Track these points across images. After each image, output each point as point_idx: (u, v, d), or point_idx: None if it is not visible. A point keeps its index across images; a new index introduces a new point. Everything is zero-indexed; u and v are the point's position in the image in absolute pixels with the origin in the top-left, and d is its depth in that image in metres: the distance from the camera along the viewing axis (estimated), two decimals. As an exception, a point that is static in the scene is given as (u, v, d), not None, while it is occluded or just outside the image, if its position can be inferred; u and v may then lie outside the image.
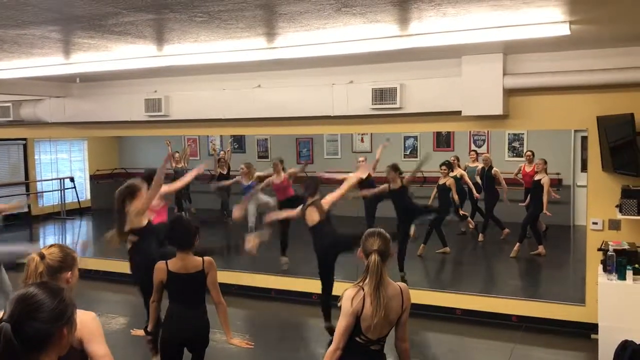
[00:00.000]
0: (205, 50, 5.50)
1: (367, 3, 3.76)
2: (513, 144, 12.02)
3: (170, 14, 4.03)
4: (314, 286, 6.66)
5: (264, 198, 9.49)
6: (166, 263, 4.02)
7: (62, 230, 13.63)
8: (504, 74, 6.10)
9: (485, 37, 4.74)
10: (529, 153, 10.15)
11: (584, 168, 11.26)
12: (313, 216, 5.88)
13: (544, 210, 8.85)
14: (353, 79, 6.92)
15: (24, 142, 13.67)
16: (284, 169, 9.23)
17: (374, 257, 2.95)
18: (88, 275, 7.82)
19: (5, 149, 13.53)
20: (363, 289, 2.95)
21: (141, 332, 4.57)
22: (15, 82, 7.79)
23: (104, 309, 7.14)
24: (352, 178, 6.59)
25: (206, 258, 4.07)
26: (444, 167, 9.46)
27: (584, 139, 11.13)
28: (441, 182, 9.46)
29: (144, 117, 8.13)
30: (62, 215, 14.06)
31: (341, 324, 2.97)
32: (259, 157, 14.30)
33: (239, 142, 14.58)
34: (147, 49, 5.48)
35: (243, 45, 5.32)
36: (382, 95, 6.61)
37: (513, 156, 11.97)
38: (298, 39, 5.03)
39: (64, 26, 4.48)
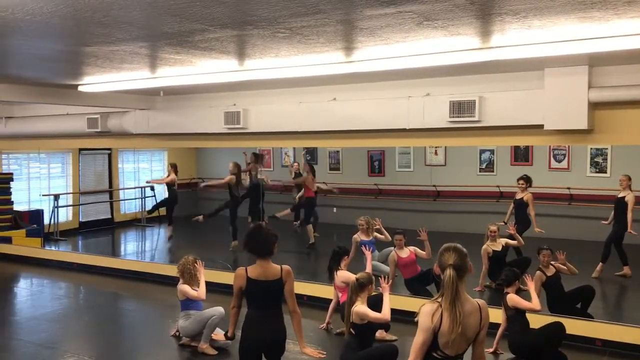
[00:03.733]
0: (285, 64, 5.62)
1: (450, 16, 3.73)
2: (596, 159, 11.52)
3: (254, 30, 4.15)
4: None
5: (383, 267, 8.09)
6: (246, 270, 4.11)
7: (142, 236, 14.19)
8: (589, 86, 5.88)
9: (571, 50, 4.59)
10: None
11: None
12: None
13: (629, 229, 8.41)
14: (430, 91, 6.86)
15: (109, 151, 14.36)
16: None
17: (449, 272, 2.90)
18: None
19: (92, 158, 14.26)
20: (440, 305, 2.91)
21: (222, 337, 4.68)
22: (105, 96, 8.22)
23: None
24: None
25: (285, 267, 4.15)
26: (521, 182, 9.13)
27: (674, 155, 10.55)
28: (518, 197, 9.15)
29: (223, 129, 8.38)
30: (142, 222, 14.64)
31: (418, 339, 2.94)
32: (331, 169, 14.38)
33: (311, 154, 14.72)
34: (229, 63, 5.66)
35: (321, 60, 5.40)
36: (460, 107, 6.52)
37: (595, 172, 11.46)
38: (376, 53, 5.05)
39: (153, 42, 4.71)
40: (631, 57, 5.39)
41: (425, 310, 2.93)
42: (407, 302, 7.23)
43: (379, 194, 13.09)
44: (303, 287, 7.79)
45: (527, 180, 9.13)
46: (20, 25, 3.96)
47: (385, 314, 5.27)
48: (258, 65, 5.74)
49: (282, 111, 7.93)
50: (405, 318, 6.85)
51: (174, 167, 12.10)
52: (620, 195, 8.63)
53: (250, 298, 4.14)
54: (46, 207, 12.68)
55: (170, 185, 12.17)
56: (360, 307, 5.21)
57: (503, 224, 9.01)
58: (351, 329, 5.26)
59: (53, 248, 11.96)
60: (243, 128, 8.21)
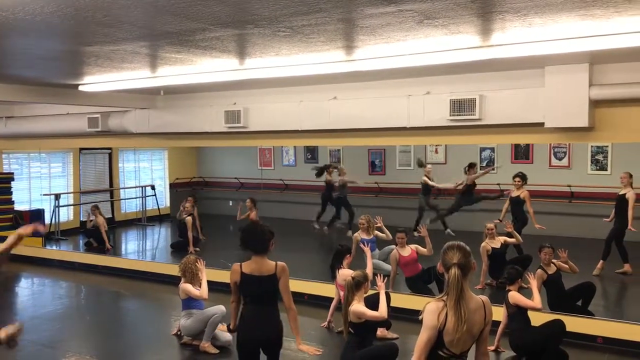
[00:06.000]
0: (285, 63, 5.62)
1: (451, 15, 3.73)
2: (596, 157, 11.52)
3: (254, 29, 4.15)
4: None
5: (384, 266, 8.24)
6: (240, 265, 4.16)
7: (143, 235, 14.19)
8: (590, 84, 5.88)
9: (572, 48, 4.59)
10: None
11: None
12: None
13: (629, 227, 8.42)
14: (430, 89, 6.86)
15: (109, 151, 14.36)
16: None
17: (453, 271, 2.90)
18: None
19: (92, 158, 14.26)
20: (445, 303, 2.92)
21: (225, 328, 4.69)
22: (105, 95, 8.22)
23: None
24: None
25: (279, 263, 4.18)
26: (517, 179, 9.14)
27: (675, 152, 10.55)
28: (514, 194, 9.17)
29: (224, 128, 8.38)
30: (143, 221, 14.65)
31: (422, 337, 2.94)
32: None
33: (311, 153, 14.73)
34: (230, 62, 5.66)
35: (322, 58, 5.40)
36: (460, 106, 6.52)
37: (596, 169, 11.46)
38: (377, 51, 5.05)
39: (154, 41, 4.71)
40: (632, 55, 5.38)
41: (431, 308, 2.93)
42: (409, 300, 7.25)
43: (380, 192, 13.09)
44: (304, 286, 7.81)
45: (522, 177, 9.15)
46: (21, 25, 3.96)
47: (382, 311, 5.30)
48: (258, 64, 5.74)
49: (283, 110, 7.93)
50: (406, 316, 6.89)
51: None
52: (621, 192, 8.62)
53: (245, 294, 4.17)
54: (47, 206, 12.69)
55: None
56: (357, 306, 5.22)
57: (499, 221, 9.04)
58: (350, 328, 5.27)
59: (54, 247, 11.97)
60: (243, 127, 8.21)
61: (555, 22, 3.94)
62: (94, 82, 7.19)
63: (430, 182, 11.56)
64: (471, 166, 10.90)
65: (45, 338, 6.74)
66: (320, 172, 12.34)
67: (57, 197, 12.72)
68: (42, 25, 3.96)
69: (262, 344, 4.17)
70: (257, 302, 4.15)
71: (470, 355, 3.07)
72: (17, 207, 12.04)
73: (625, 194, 8.54)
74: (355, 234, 8.32)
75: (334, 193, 12.01)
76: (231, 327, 4.45)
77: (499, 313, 6.05)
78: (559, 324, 5.75)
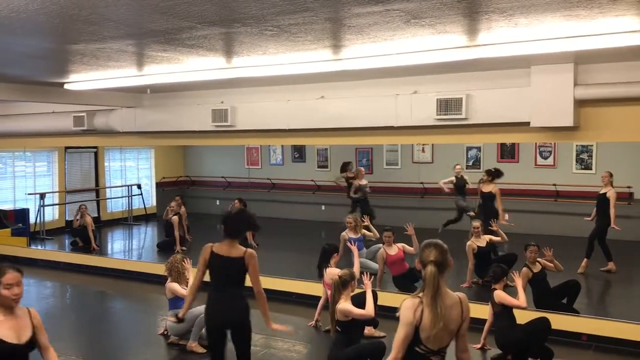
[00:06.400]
0: (273, 62, 5.61)
1: (438, 14, 3.75)
2: (581, 156, 11.64)
3: (241, 27, 4.14)
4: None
5: (371, 265, 8.17)
6: (212, 245, 4.35)
7: (129, 235, 14.12)
8: (575, 84, 5.94)
9: (557, 48, 4.64)
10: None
11: (658, 181, 10.80)
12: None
13: (612, 225, 8.53)
14: (417, 89, 6.89)
15: (95, 150, 14.27)
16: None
17: (430, 268, 2.95)
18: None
19: (78, 157, 14.16)
20: (422, 300, 2.95)
21: (174, 319, 5.05)
22: (91, 93, 8.16)
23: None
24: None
25: (249, 250, 4.35)
26: (485, 175, 9.37)
27: (658, 151, 10.70)
28: (485, 190, 9.29)
29: (211, 127, 8.35)
30: (129, 220, 14.57)
31: (399, 334, 2.97)
32: (319, 166, 14.42)
33: (299, 152, 14.73)
34: (217, 61, 5.64)
35: (309, 57, 5.40)
36: (447, 105, 6.55)
37: (581, 168, 11.58)
38: (364, 51, 5.06)
39: (140, 40, 4.68)
40: (616, 55, 5.44)
41: (407, 305, 2.97)
42: (396, 299, 7.26)
43: (367, 192, 13.11)
44: (292, 285, 7.81)
45: (490, 173, 9.37)
46: (5, 22, 3.92)
47: (368, 310, 5.32)
48: (246, 63, 5.73)
49: (270, 109, 7.92)
50: (393, 315, 6.88)
51: None
52: (602, 191, 8.72)
53: (212, 274, 4.35)
54: (32, 206, 12.58)
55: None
56: (344, 305, 5.25)
57: (473, 214, 9.16)
58: (337, 327, 5.29)
59: (39, 247, 11.87)
60: (231, 126, 8.19)
61: (541, 22, 3.98)
62: (80, 80, 7.14)
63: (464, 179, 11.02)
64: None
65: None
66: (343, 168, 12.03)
67: (42, 196, 12.62)
68: (27, 22, 3.92)
69: (228, 326, 4.33)
70: (222, 285, 4.33)
71: (452, 353, 3.10)
72: (2, 206, 11.95)
73: (606, 192, 8.63)
74: (343, 233, 8.34)
75: (355, 195, 11.53)
76: (180, 315, 4.68)
77: (484, 311, 6.10)
78: (545, 321, 5.80)
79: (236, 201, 10.93)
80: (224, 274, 4.30)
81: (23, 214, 11.98)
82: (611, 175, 8.76)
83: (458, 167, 11.19)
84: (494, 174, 9.37)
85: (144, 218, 14.91)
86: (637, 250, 10.42)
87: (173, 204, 11.28)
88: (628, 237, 9.73)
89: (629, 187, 10.90)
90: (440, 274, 2.95)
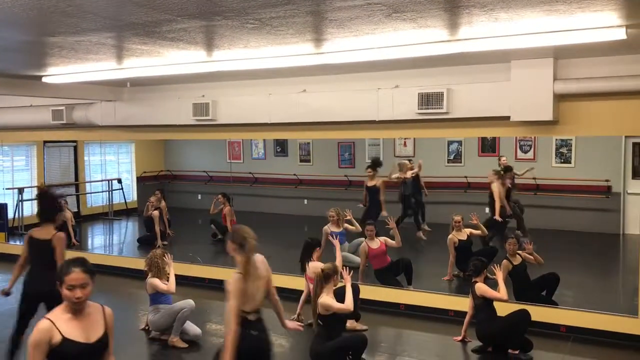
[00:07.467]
0: (254, 55, 5.58)
1: (419, 9, 3.76)
2: (561, 150, 11.76)
3: (222, 20, 4.11)
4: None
5: (353, 258, 8.31)
6: (33, 230, 5.30)
7: (110, 230, 13.99)
8: (555, 79, 6.00)
9: (537, 42, 4.67)
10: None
11: (635, 175, 10.95)
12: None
13: (496, 216, 9.00)
14: (399, 83, 6.90)
15: (74, 144, 14.07)
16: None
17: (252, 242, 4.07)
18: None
19: (57, 151, 13.96)
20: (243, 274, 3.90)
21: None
22: (70, 87, 8.04)
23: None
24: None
25: (57, 234, 5.25)
26: (369, 170, 9.88)
27: (635, 145, 10.84)
28: (370, 184, 9.80)
29: (192, 121, 8.29)
30: (110, 215, 14.42)
31: (232, 303, 3.83)
32: (301, 160, 14.39)
33: (281, 146, 14.69)
34: (197, 54, 5.59)
35: (291, 51, 5.38)
36: (428, 100, 6.57)
37: (561, 162, 11.71)
38: (346, 44, 5.05)
39: (120, 33, 4.62)
40: (594, 50, 5.50)
41: (235, 277, 3.90)
42: (378, 292, 7.32)
43: (349, 186, 13.14)
44: (274, 279, 7.77)
45: (373, 167, 9.83)
46: (-19, 14, 3.84)
47: (347, 304, 5.38)
48: (227, 56, 5.69)
49: (252, 103, 7.88)
50: (375, 308, 6.94)
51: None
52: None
53: (29, 254, 5.33)
54: (10, 201, 12.39)
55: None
56: (325, 299, 5.28)
57: (362, 206, 9.76)
58: (319, 320, 5.31)
59: (18, 242, 11.70)
60: (212, 120, 8.13)
61: (521, 17, 4.00)
62: (58, 73, 7.03)
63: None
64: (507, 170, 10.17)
65: (7, 335, 6.59)
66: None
67: (21, 191, 12.43)
68: (3, 15, 3.85)
69: (40, 298, 5.22)
70: (34, 261, 5.32)
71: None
72: (-21, 201, 11.74)
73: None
74: (325, 227, 8.34)
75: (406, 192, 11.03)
76: (7, 288, 5.54)
77: (465, 304, 6.16)
78: (524, 313, 5.88)
79: (219, 196, 10.86)
80: (36, 253, 5.28)
81: (1, 209, 11.80)
82: (496, 173, 9.39)
83: (504, 159, 10.69)
84: (375, 166, 9.94)
85: (125, 213, 14.75)
86: (613, 243, 10.59)
87: (153, 198, 11.19)
88: (605, 229, 9.88)
89: (607, 180, 11.05)
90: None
